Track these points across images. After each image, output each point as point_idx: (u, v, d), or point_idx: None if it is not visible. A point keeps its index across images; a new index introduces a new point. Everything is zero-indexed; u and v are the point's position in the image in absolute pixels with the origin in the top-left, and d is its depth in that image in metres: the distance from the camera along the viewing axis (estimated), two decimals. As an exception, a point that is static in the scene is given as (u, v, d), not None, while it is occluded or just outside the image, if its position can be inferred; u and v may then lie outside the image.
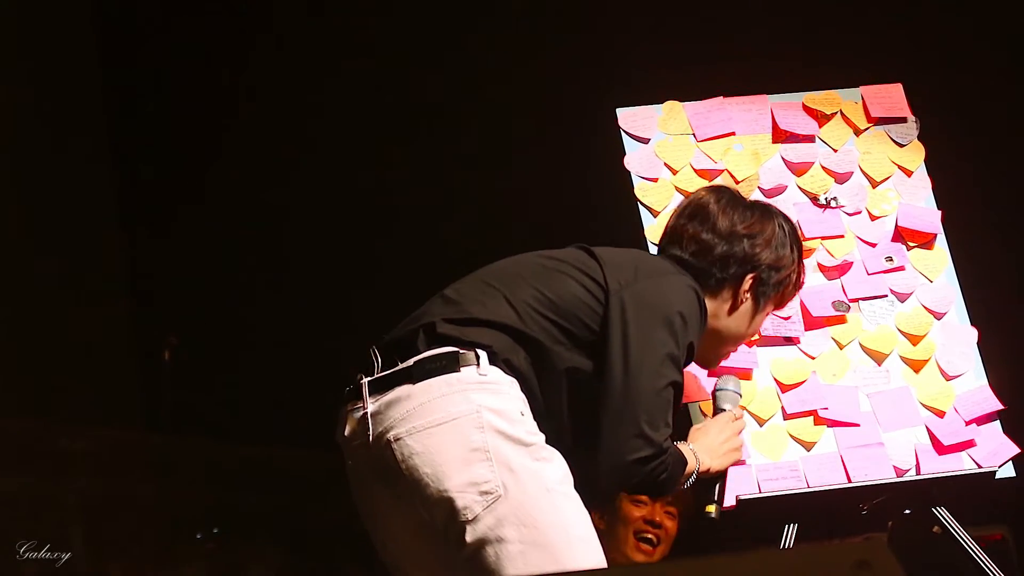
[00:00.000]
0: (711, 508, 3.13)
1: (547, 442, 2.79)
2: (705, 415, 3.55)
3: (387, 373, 2.79)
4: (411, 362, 2.77)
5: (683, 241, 3.10)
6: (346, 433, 2.83)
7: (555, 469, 2.74)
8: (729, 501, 3.46)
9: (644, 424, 2.79)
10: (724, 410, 3.22)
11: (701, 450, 3.05)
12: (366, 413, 2.78)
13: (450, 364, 2.74)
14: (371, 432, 2.76)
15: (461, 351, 2.76)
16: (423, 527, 2.75)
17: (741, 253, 3.08)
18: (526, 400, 2.79)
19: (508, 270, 2.95)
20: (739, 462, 3.22)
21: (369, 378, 2.81)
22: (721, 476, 3.14)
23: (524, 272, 2.92)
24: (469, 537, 2.67)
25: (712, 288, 3.07)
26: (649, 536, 4.14)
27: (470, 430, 2.69)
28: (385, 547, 2.86)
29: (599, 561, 2.71)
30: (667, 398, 2.85)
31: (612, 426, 2.81)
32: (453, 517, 2.68)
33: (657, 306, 2.88)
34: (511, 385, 2.78)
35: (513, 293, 2.86)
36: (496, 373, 2.76)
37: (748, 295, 3.09)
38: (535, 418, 2.80)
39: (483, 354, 2.76)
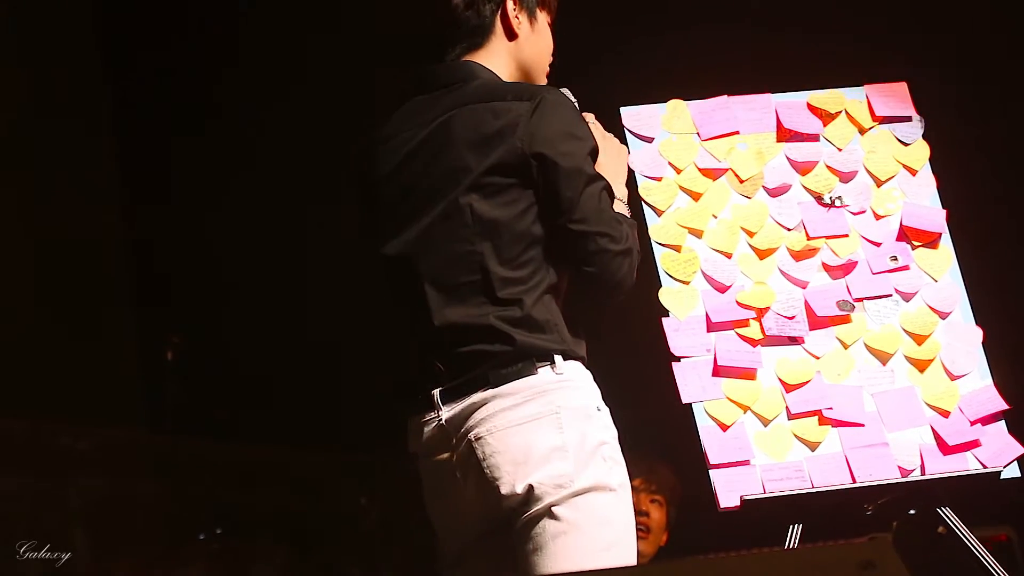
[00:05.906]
0: None
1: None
2: (710, 416, 3.54)
3: (460, 381, 2.86)
4: (487, 368, 2.84)
5: (444, 43, 3.04)
6: (423, 440, 2.90)
7: (620, 472, 2.84)
8: (734, 501, 3.45)
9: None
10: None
11: (618, 187, 3.02)
12: (441, 421, 2.86)
13: (526, 368, 2.82)
14: (453, 436, 2.85)
15: (537, 353, 2.82)
16: (498, 522, 2.84)
17: None
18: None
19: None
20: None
21: (440, 388, 2.87)
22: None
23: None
24: (529, 515, 2.79)
25: (488, 40, 3.03)
26: (638, 525, 4.25)
27: (550, 430, 2.80)
28: (455, 543, 2.93)
29: (624, 563, 2.80)
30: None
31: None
32: (526, 505, 2.79)
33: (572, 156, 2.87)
34: (586, 379, 2.87)
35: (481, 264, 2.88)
36: (572, 369, 2.85)
37: (518, 16, 3.03)
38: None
39: (558, 357, 2.83)
